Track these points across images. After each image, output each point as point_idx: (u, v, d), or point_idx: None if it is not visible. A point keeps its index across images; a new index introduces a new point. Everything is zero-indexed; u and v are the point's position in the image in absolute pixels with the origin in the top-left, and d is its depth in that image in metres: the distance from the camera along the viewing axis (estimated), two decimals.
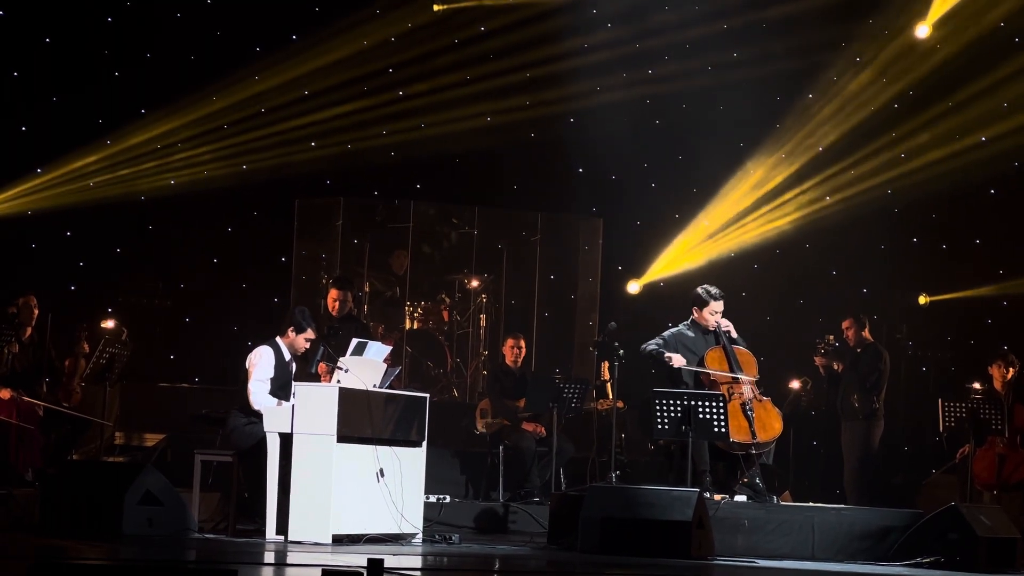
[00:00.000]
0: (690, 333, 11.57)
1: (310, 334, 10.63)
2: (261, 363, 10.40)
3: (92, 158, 14.37)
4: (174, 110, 14.67)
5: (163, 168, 14.77)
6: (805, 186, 15.74)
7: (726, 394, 11.08)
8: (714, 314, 11.51)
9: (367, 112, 15.35)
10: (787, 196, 15.75)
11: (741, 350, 11.48)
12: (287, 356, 10.60)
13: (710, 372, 11.30)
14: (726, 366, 11.36)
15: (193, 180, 14.81)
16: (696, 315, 11.59)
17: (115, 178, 14.50)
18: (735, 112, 15.65)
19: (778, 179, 15.71)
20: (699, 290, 11.66)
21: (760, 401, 11.29)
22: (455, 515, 11.83)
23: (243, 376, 10.46)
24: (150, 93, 14.58)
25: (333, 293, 12.51)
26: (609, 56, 15.62)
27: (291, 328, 10.59)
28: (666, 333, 11.60)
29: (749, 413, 11.13)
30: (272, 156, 15.02)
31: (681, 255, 15.69)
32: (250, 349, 10.56)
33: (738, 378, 11.28)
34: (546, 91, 15.73)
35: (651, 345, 11.51)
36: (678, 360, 11.33)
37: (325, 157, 15.29)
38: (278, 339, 10.59)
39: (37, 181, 14.11)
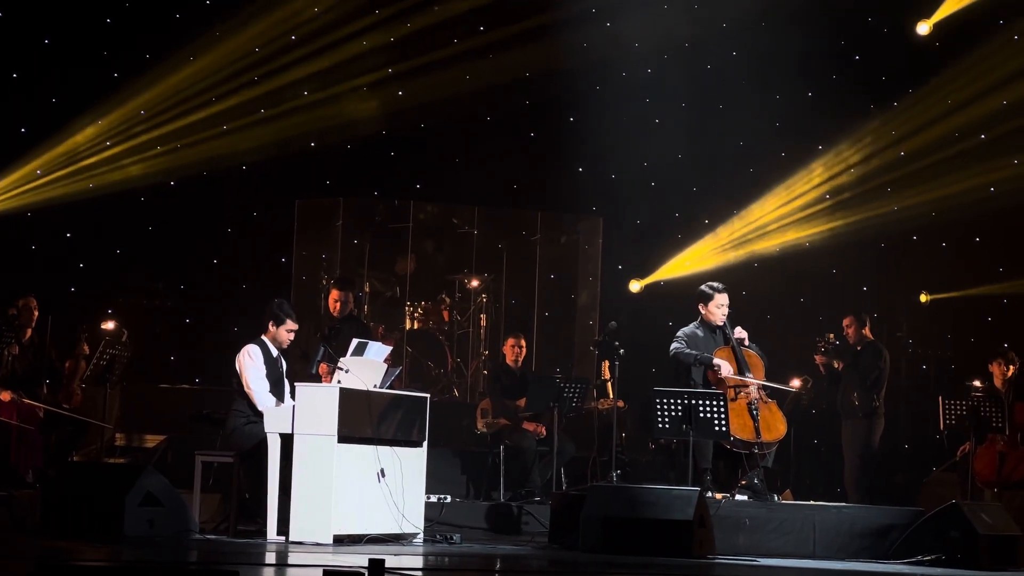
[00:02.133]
0: (699, 333, 11.53)
1: (291, 324, 10.59)
2: (254, 363, 10.38)
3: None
4: (173, 108, 14.65)
5: (163, 168, 14.76)
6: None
7: (732, 393, 11.07)
8: (720, 307, 11.49)
9: (368, 111, 15.34)
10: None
11: (749, 352, 11.47)
12: (274, 352, 10.58)
13: (743, 378, 11.24)
14: (734, 366, 11.35)
15: (193, 181, 14.79)
16: (703, 312, 11.56)
17: (113, 167, 14.49)
18: (735, 111, 15.65)
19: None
20: (703, 287, 11.66)
21: (766, 403, 11.28)
22: (456, 515, 11.82)
23: (235, 378, 10.45)
24: (150, 89, 14.56)
25: (334, 294, 12.51)
26: (611, 55, 15.60)
27: (271, 322, 10.57)
28: (682, 334, 11.52)
29: (754, 413, 11.11)
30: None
31: (690, 260, 15.68)
32: (238, 349, 10.55)
33: (746, 380, 11.26)
34: (546, 89, 15.71)
35: (685, 349, 11.37)
36: (726, 368, 11.27)
37: (325, 157, 15.29)
38: (263, 336, 10.58)
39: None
